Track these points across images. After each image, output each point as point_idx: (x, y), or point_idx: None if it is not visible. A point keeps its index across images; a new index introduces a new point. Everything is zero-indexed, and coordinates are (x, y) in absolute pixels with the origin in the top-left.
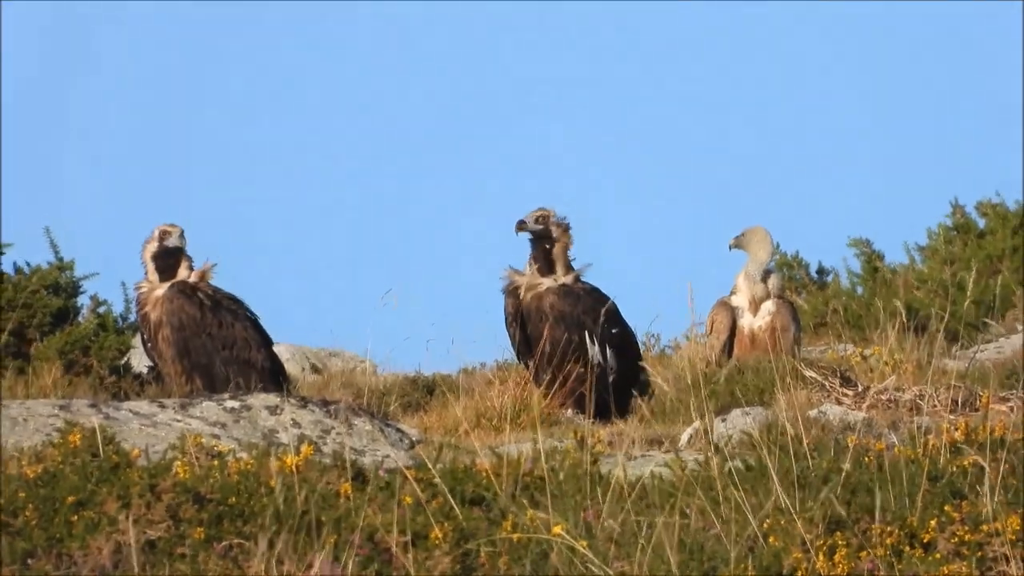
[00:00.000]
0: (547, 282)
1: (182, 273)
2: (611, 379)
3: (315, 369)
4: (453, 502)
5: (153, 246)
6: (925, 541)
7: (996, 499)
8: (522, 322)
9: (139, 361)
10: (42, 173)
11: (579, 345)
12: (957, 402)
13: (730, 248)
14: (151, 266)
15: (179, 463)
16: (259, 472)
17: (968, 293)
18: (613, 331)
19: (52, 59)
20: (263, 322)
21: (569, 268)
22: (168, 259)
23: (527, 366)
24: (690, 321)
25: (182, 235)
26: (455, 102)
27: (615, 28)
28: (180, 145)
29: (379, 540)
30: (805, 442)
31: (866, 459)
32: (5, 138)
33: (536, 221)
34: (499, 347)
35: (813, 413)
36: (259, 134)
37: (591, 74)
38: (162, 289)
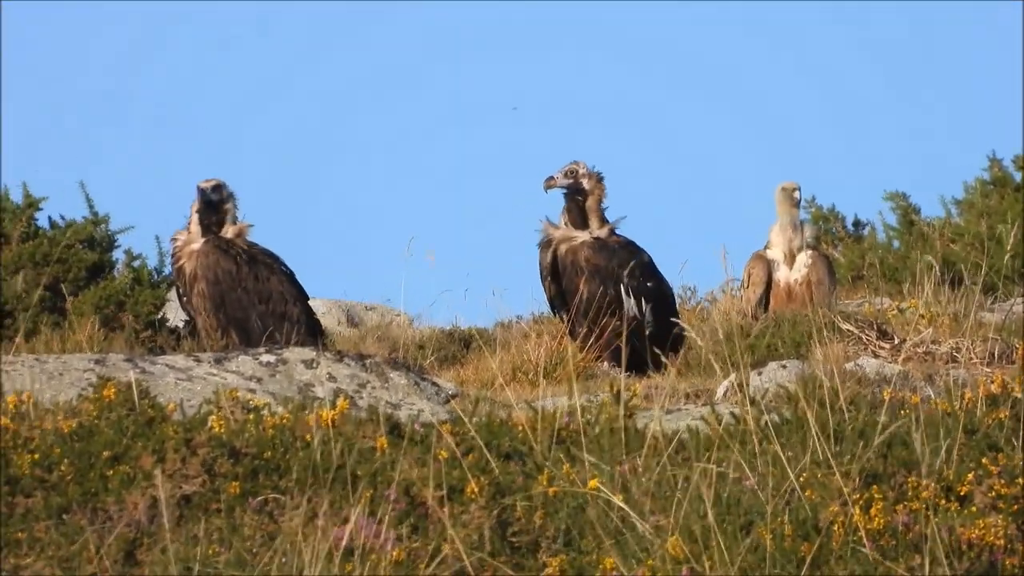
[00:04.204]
0: (582, 236)
1: (225, 228)
2: (647, 332)
3: (351, 323)
4: (489, 456)
5: (196, 202)
6: (962, 494)
7: None
8: (557, 276)
9: (174, 315)
10: (75, 126)
11: (614, 299)
12: (993, 355)
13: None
14: (195, 218)
15: (214, 417)
16: (295, 426)
17: (1005, 246)
18: (649, 284)
19: (85, 11)
20: (299, 277)
21: (604, 221)
22: (210, 212)
23: (562, 319)
24: (725, 275)
25: (215, 188)
26: (488, 48)
27: None
28: (213, 100)
29: (415, 494)
30: (842, 395)
31: (903, 412)
32: (36, 95)
33: (565, 175)
34: (535, 300)
35: (849, 366)
36: (293, 87)
37: (626, 25)
38: (198, 243)
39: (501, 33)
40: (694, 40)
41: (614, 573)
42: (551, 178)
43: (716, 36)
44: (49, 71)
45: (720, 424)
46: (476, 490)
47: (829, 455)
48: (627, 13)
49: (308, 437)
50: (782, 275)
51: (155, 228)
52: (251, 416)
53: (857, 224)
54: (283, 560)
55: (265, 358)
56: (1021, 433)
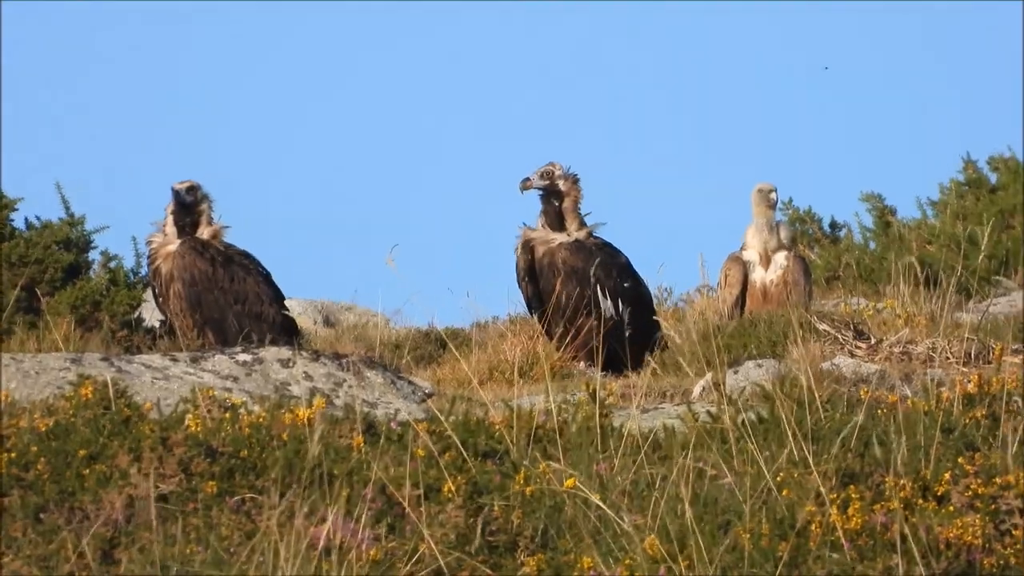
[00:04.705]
0: (559, 237)
1: (201, 230)
2: (624, 333)
3: (328, 323)
4: (466, 455)
5: (171, 204)
6: (939, 494)
7: (1010, 452)
8: (534, 277)
9: (151, 315)
10: (50, 127)
11: (591, 299)
12: (970, 355)
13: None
14: (170, 220)
15: (191, 416)
16: (271, 425)
17: (981, 247)
18: (625, 285)
19: (63, 15)
20: (275, 277)
21: (581, 223)
22: (184, 214)
23: (539, 320)
24: (701, 278)
25: (189, 189)
26: (468, 54)
27: None
28: (191, 99)
29: (391, 494)
30: (818, 394)
31: (879, 412)
32: (16, 95)
33: (542, 177)
34: (512, 301)
35: (826, 366)
36: (272, 89)
37: (603, 29)
38: (174, 244)
39: (483, 34)
40: (672, 43)
41: (592, 572)
42: (527, 179)
43: (693, 39)
44: (20, 71)
45: (697, 422)
46: (453, 489)
47: (806, 454)
48: (606, 16)
49: (284, 436)
50: (758, 276)
51: (131, 228)
52: (228, 415)
53: (834, 225)
54: (260, 559)
55: (241, 357)
56: (999, 433)
